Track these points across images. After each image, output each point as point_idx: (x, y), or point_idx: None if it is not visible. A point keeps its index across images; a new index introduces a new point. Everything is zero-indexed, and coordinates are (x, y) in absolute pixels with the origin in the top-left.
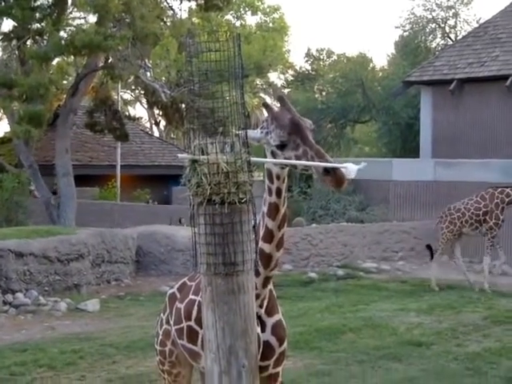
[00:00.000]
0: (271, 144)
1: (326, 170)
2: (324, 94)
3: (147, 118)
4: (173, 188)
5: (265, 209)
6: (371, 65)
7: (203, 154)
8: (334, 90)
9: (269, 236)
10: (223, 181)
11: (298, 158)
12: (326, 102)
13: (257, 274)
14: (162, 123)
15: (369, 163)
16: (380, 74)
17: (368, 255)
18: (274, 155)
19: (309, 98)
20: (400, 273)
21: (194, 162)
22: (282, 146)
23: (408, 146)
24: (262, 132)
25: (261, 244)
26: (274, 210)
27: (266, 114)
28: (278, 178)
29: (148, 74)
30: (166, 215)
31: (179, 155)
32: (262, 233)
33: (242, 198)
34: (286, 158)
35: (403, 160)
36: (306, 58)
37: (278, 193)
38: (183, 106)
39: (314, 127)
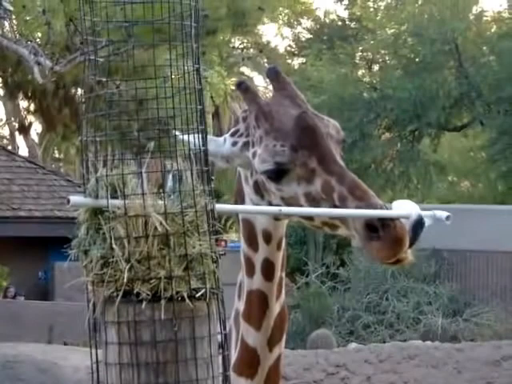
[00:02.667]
0: (255, 169)
1: (372, 226)
2: (376, 70)
3: (3, 118)
4: (56, 265)
5: (240, 306)
6: (474, 9)
7: (116, 197)
8: (398, 61)
9: (248, 362)
10: (157, 253)
11: (312, 198)
12: (380, 88)
13: None
14: (36, 128)
15: (469, 214)
16: (493, 28)
17: None
18: (260, 191)
19: (344, 79)
20: None
21: (96, 212)
22: (278, 174)
23: None
24: (234, 143)
25: (233, 380)
26: (258, 308)
27: (243, 106)
28: (268, 238)
29: (6, 23)
30: (41, 321)
31: (70, 198)
32: (235, 357)
33: (198, 289)
34: (286, 200)
35: None
36: None
37: (268, 271)
38: (79, 92)
39: (343, 136)
